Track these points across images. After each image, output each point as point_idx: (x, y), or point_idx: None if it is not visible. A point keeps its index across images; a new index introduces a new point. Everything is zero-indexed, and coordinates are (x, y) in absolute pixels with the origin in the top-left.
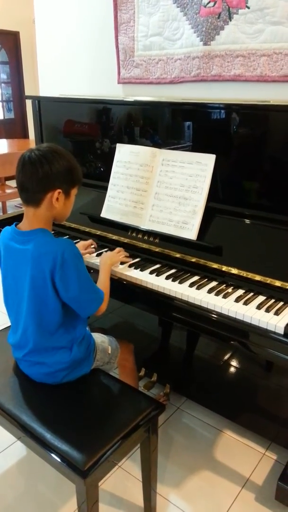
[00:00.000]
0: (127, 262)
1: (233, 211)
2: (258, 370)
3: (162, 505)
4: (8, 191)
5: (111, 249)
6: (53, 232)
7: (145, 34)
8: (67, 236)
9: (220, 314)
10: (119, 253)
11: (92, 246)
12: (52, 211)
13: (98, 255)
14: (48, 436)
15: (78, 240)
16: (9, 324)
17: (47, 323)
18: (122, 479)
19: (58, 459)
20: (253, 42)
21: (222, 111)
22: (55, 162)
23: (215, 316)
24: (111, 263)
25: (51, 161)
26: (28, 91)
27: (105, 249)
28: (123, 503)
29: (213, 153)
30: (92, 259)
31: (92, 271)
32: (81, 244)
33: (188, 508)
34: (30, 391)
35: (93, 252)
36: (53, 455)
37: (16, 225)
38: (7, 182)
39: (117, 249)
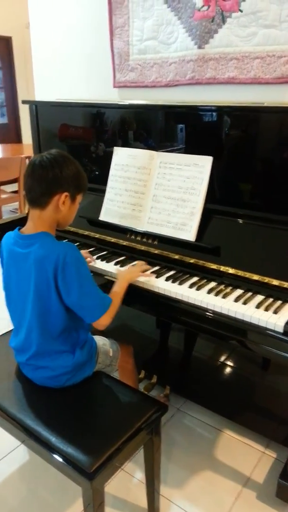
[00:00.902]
0: (149, 277)
1: (230, 211)
2: (256, 370)
3: (165, 506)
4: (3, 196)
5: (110, 252)
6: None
7: (139, 38)
8: (66, 240)
9: (220, 314)
10: (140, 267)
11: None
12: (58, 214)
13: (98, 257)
14: (53, 439)
15: (78, 243)
16: (10, 328)
17: (51, 326)
18: (125, 482)
19: (64, 462)
20: (247, 45)
21: (216, 113)
22: (64, 167)
23: (215, 316)
24: (130, 278)
25: (61, 164)
26: (21, 96)
27: (104, 252)
28: (127, 505)
29: (209, 155)
30: (96, 264)
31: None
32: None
33: (190, 508)
34: (34, 395)
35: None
36: (58, 458)
37: (19, 229)
38: (2, 187)
39: (140, 262)
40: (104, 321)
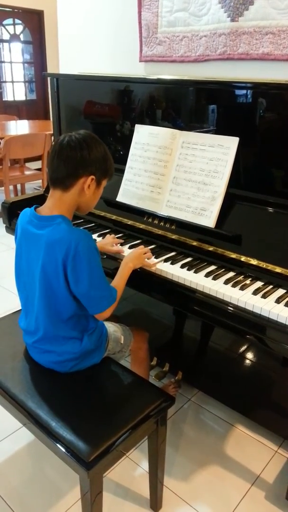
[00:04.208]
0: (151, 266)
1: (255, 198)
2: (274, 365)
3: (168, 498)
4: (27, 172)
5: (126, 235)
6: None
7: (169, 9)
8: (82, 220)
9: (236, 307)
10: (144, 255)
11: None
12: (81, 198)
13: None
14: (53, 424)
15: (93, 223)
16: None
17: (59, 312)
18: (129, 470)
19: (62, 449)
20: (284, 18)
21: (250, 90)
22: (94, 148)
23: (231, 308)
24: (133, 266)
25: (91, 146)
26: (51, 71)
27: (120, 234)
28: (128, 494)
29: (237, 136)
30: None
31: (105, 256)
32: (110, 238)
33: (195, 503)
34: (38, 378)
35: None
36: (57, 444)
37: (36, 208)
38: (27, 164)
39: (145, 249)
40: (106, 314)
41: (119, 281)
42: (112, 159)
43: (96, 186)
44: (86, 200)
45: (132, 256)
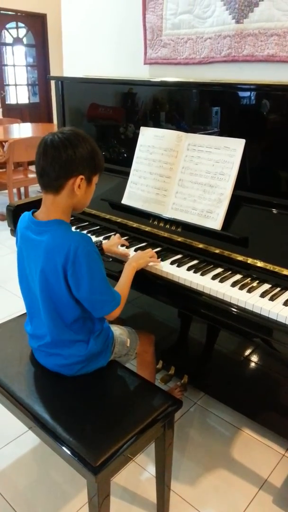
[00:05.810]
0: (156, 262)
1: (261, 200)
2: (280, 368)
3: (175, 502)
4: (30, 175)
5: (131, 237)
6: (72, 218)
7: (174, 12)
8: (87, 223)
9: (244, 310)
10: (148, 254)
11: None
12: (73, 199)
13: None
14: (60, 428)
15: (98, 226)
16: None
17: (63, 316)
18: (136, 474)
19: (69, 453)
20: None
21: (255, 92)
22: (79, 146)
23: (238, 311)
24: (137, 266)
25: (75, 145)
26: (54, 75)
27: (125, 237)
28: (135, 498)
29: (242, 138)
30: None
31: (110, 259)
32: (116, 238)
33: (202, 507)
34: (44, 381)
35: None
36: (64, 449)
37: (33, 213)
38: (30, 167)
39: (148, 250)
40: (115, 314)
41: (124, 282)
42: (100, 154)
43: (87, 185)
44: (79, 200)
45: (136, 256)
